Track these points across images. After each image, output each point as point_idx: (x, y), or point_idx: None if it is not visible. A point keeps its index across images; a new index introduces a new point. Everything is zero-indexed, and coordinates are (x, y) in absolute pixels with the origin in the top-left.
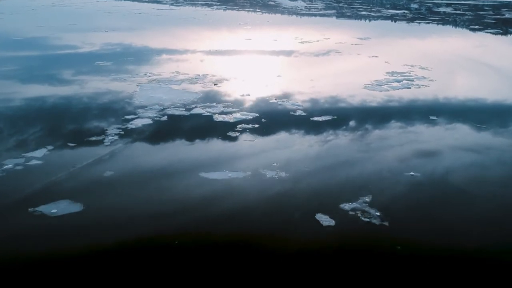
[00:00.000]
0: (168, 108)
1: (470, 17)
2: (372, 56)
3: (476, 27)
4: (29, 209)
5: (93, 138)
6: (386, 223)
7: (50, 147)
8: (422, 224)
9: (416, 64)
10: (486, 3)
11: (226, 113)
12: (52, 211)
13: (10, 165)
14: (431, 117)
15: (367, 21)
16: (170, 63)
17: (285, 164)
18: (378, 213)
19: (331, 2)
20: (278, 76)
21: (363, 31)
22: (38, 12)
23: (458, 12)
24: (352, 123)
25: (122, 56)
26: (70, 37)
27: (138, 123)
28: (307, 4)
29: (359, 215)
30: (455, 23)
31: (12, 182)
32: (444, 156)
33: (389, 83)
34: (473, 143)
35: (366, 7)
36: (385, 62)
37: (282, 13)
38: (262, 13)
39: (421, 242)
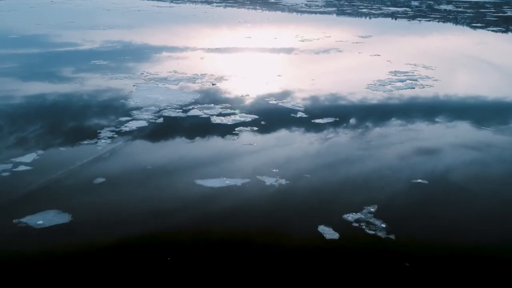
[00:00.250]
0: (164, 109)
1: (471, 14)
2: (374, 55)
3: (478, 25)
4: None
5: (85, 142)
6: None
7: (40, 152)
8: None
9: (419, 63)
10: (487, 0)
11: (224, 115)
12: (38, 222)
13: None
14: (438, 119)
15: (367, 18)
16: (168, 62)
17: (286, 170)
18: (384, 225)
19: (331, 0)
20: (279, 75)
21: (364, 29)
22: (36, 10)
23: (459, 9)
24: (355, 126)
25: (119, 55)
26: (67, 35)
27: (132, 125)
28: (307, 1)
29: (363, 227)
30: (456, 21)
31: None
32: (459, 159)
33: (392, 83)
34: (487, 144)
35: (366, 4)
36: (388, 61)
37: (282, 10)
38: (262, 10)
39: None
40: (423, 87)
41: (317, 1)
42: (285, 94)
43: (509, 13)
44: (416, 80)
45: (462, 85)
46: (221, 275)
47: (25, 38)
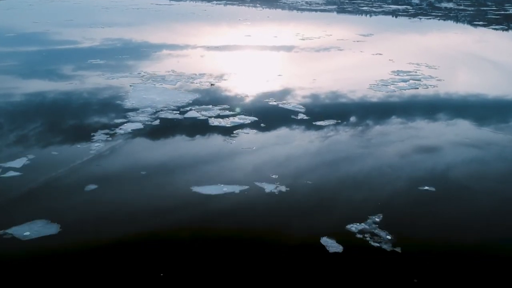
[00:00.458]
0: (161, 111)
1: (472, 12)
2: (376, 54)
3: (480, 23)
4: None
5: (78, 146)
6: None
7: (30, 156)
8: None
9: (422, 62)
10: None
11: (222, 117)
12: (24, 234)
13: None
14: (443, 121)
15: (368, 16)
16: (166, 61)
17: (285, 178)
18: (389, 237)
19: None
20: (279, 75)
21: (365, 27)
22: (34, 8)
23: (460, 7)
24: (359, 130)
25: (117, 54)
26: (66, 33)
27: (127, 128)
28: None
29: (367, 237)
30: (457, 19)
31: None
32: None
33: (395, 83)
34: (498, 145)
35: (367, 2)
36: (390, 60)
37: (283, 8)
38: (262, 8)
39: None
40: (427, 87)
41: None
42: (285, 94)
43: (510, 11)
44: (419, 80)
45: (466, 84)
46: None
47: (23, 36)
